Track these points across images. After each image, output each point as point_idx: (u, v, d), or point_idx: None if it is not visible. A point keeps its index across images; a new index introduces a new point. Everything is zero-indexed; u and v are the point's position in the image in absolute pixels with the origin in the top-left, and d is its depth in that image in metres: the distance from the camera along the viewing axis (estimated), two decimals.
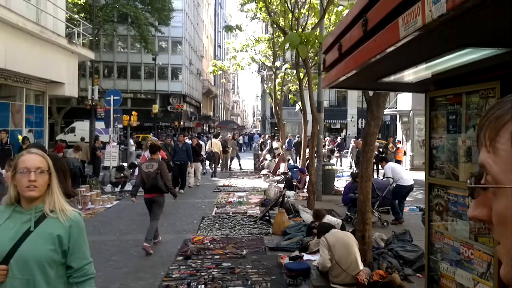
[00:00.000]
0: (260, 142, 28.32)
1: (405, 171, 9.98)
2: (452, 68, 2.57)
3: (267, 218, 9.53)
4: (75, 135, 31.29)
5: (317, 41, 6.20)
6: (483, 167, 0.68)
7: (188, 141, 15.72)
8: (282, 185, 13.82)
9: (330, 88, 3.46)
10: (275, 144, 23.48)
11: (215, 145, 19.32)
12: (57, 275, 2.12)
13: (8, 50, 12.35)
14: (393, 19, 1.79)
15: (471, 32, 1.72)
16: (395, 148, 17.87)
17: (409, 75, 2.82)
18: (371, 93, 5.75)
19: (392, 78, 2.90)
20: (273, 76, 21.14)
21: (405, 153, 20.06)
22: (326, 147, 21.50)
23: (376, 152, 16.38)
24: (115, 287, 5.68)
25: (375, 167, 16.65)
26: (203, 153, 17.29)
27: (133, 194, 7.74)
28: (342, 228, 7.61)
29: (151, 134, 38.19)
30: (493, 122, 0.66)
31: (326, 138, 24.75)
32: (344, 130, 43.21)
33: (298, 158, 22.30)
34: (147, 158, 9.09)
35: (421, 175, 14.81)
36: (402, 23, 1.66)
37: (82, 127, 31.32)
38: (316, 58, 13.68)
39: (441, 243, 3.09)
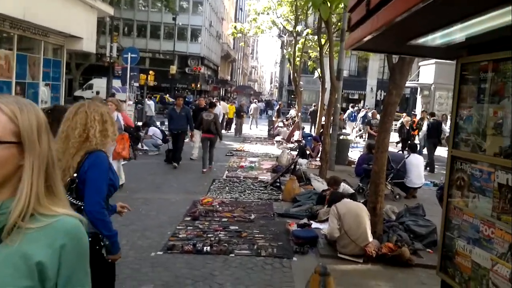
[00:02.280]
0: (277, 108, 28.00)
1: (420, 172, 9.45)
2: (489, 31, 2.33)
3: (278, 184, 9.44)
4: (92, 91, 31.41)
5: (341, 4, 5.88)
6: None
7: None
8: (295, 153, 13.68)
9: (353, 50, 3.23)
10: (292, 112, 23.25)
11: (223, 107, 20.03)
12: None
13: (27, 1, 12.15)
14: None
15: None
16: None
17: (441, 37, 2.58)
18: (395, 60, 5.47)
19: (421, 40, 2.67)
20: (293, 42, 20.62)
21: None
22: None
23: (407, 128, 15.19)
24: (122, 243, 5.68)
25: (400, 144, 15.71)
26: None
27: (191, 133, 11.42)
28: (353, 198, 7.47)
29: (167, 95, 38.18)
30: None
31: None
32: (362, 101, 42.49)
33: (313, 126, 22.03)
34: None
35: (436, 151, 14.19)
36: None
37: (99, 84, 31.43)
38: (339, 24, 13.18)
39: (459, 220, 2.92)
